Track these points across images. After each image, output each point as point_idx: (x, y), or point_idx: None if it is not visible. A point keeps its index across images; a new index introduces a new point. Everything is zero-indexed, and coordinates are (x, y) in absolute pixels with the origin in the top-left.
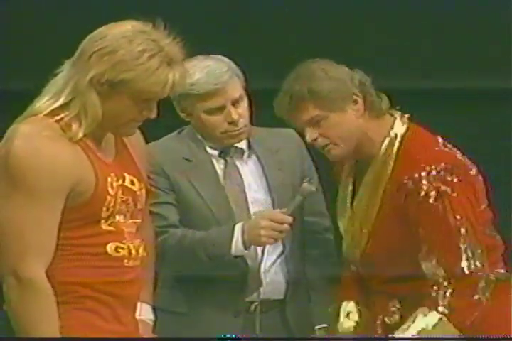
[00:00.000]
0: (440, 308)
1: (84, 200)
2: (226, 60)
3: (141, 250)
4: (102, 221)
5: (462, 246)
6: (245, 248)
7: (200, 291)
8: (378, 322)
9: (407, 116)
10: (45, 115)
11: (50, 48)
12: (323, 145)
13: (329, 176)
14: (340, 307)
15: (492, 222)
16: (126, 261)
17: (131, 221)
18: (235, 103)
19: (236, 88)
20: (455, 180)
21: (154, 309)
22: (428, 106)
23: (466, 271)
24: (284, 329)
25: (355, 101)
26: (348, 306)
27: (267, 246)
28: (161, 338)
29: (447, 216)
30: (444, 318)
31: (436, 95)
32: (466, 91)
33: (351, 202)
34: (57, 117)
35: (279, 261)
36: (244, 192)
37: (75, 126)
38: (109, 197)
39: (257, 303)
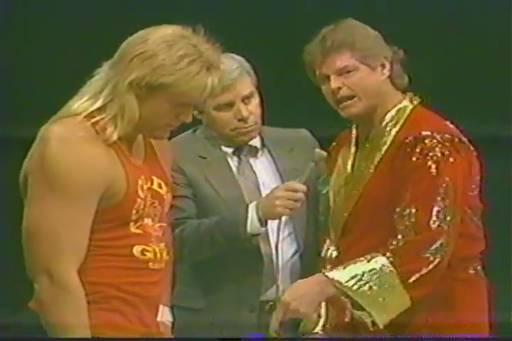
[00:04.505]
0: (388, 253)
1: (116, 202)
2: (238, 57)
3: (165, 254)
4: (131, 223)
5: (437, 207)
6: (261, 224)
7: (217, 287)
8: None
9: (417, 98)
10: (81, 117)
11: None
12: (344, 97)
13: None
14: None
15: (481, 215)
16: (151, 263)
17: (158, 224)
18: (244, 99)
19: (246, 85)
20: (455, 150)
21: (172, 309)
22: None
23: (432, 226)
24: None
25: (383, 65)
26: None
27: (281, 244)
28: (160, 338)
29: (438, 176)
30: (390, 268)
31: None
32: None
33: (352, 170)
34: (93, 120)
35: (293, 259)
36: (259, 190)
37: (110, 129)
38: (139, 200)
39: (271, 303)
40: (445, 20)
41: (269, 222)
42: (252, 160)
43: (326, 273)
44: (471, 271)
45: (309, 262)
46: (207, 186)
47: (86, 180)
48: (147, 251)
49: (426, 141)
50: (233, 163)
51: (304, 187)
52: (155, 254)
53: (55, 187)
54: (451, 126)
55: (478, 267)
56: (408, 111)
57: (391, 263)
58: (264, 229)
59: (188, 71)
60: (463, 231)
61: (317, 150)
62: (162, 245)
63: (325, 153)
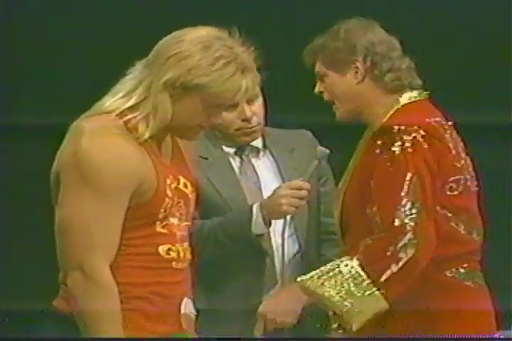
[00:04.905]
0: (357, 255)
1: (145, 200)
2: None
3: (188, 253)
4: (157, 222)
5: (402, 202)
6: (266, 224)
7: (218, 287)
8: None
9: (416, 95)
10: (113, 114)
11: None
12: (328, 101)
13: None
14: None
15: (468, 216)
16: (174, 263)
17: (184, 223)
18: (249, 100)
19: None
20: (417, 145)
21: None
22: None
23: (396, 223)
24: (298, 329)
25: (356, 68)
26: None
27: (286, 245)
28: (161, 338)
29: (400, 170)
30: (358, 269)
31: None
32: None
33: None
34: (125, 118)
35: (295, 260)
36: (261, 190)
37: (142, 127)
38: (167, 199)
39: None
40: (444, 14)
41: (272, 222)
42: (254, 161)
43: (299, 281)
44: (449, 274)
45: (310, 263)
46: (209, 186)
47: (118, 176)
48: (172, 250)
49: (387, 134)
50: (235, 163)
51: (308, 185)
52: (178, 254)
53: (88, 183)
54: (432, 120)
55: (461, 270)
56: (395, 108)
57: (359, 264)
58: (269, 228)
59: (223, 72)
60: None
61: (319, 147)
62: (186, 245)
63: (327, 151)
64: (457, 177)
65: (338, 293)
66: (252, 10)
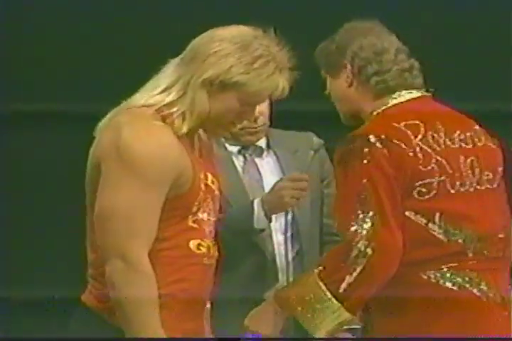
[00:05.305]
0: (319, 266)
1: (182, 192)
2: None
3: (215, 249)
4: (190, 216)
5: (355, 212)
6: (268, 219)
7: (219, 285)
8: None
9: (412, 93)
10: (152, 109)
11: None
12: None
13: None
14: None
15: (447, 219)
16: (205, 259)
17: (213, 219)
18: None
19: None
20: (376, 152)
21: None
22: None
23: (348, 233)
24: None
25: (347, 72)
26: None
27: (285, 244)
28: (161, 338)
29: (354, 180)
30: (318, 281)
31: None
32: None
33: None
34: (162, 113)
35: (296, 259)
36: (263, 189)
37: (178, 122)
38: (201, 193)
39: None
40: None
41: (273, 221)
42: (257, 160)
43: (274, 292)
44: (424, 276)
45: (311, 263)
46: None
47: (162, 166)
48: (202, 245)
49: (346, 145)
50: (238, 162)
51: (306, 176)
52: (208, 249)
53: (132, 172)
54: (403, 124)
55: (442, 271)
56: (378, 111)
57: (319, 275)
58: (271, 223)
59: (262, 71)
60: (405, 236)
61: (314, 138)
62: (213, 240)
63: (322, 141)
64: (427, 180)
65: (300, 305)
66: (257, 10)
